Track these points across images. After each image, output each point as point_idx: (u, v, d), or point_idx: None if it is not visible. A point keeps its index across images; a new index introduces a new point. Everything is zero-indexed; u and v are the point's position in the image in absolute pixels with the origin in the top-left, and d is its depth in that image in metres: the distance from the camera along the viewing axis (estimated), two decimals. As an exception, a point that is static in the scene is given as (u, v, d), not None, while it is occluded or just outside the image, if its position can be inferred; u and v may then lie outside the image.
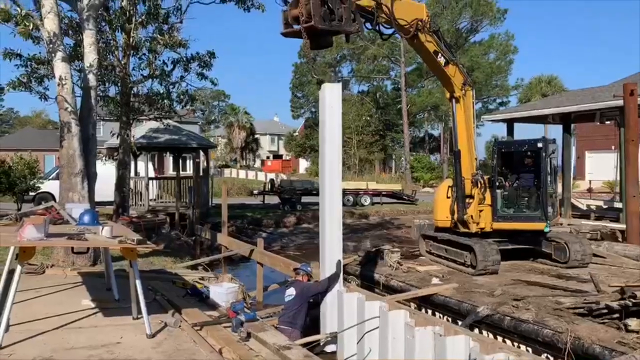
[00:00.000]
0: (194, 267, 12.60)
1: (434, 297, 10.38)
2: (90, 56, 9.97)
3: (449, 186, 12.86)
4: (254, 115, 72.43)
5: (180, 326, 6.10)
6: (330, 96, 7.58)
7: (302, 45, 7.95)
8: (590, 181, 32.83)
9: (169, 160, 47.88)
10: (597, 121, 24.34)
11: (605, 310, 7.80)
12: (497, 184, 12.29)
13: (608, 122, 25.91)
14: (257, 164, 77.19)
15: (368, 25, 9.77)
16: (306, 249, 20.50)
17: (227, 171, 62.63)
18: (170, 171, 46.53)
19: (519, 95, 54.65)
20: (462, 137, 12.15)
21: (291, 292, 7.59)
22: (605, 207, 23.22)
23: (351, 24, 7.99)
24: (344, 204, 29.33)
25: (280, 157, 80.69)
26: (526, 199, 12.34)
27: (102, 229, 5.66)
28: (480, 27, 48.82)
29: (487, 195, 12.27)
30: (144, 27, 14.43)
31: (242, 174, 62.64)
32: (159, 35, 14.13)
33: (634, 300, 7.33)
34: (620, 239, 17.22)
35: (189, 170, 34.22)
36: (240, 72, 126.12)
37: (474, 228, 12.12)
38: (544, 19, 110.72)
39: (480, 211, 12.22)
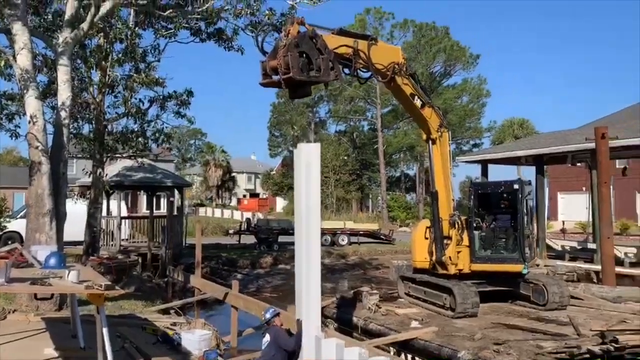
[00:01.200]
0: (165, 311, 12.15)
1: (414, 341, 10.15)
2: (64, 93, 9.77)
3: (427, 227, 12.79)
4: (231, 154, 72.26)
5: (149, 377, 5.77)
6: (307, 156, 7.31)
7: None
8: (563, 222, 33.23)
9: (143, 198, 47.13)
10: (569, 163, 24.89)
11: (587, 355, 7.69)
12: (475, 225, 12.26)
13: (579, 164, 26.55)
14: (233, 202, 76.47)
15: (346, 70, 9.88)
16: (283, 290, 20.06)
17: (202, 210, 61.79)
18: (144, 210, 45.74)
19: (491, 137, 55.82)
20: (439, 178, 12.18)
21: (266, 338, 7.28)
22: (579, 247, 23.43)
23: (329, 73, 8.01)
24: (321, 244, 29.10)
25: (257, 195, 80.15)
26: (503, 240, 12.31)
27: (69, 273, 5.36)
28: (454, 71, 50.22)
29: (465, 236, 12.23)
30: (120, 65, 14.33)
31: (217, 212, 61.82)
32: (135, 74, 14.01)
33: (615, 345, 7.22)
34: (595, 280, 17.33)
35: (163, 209, 33.66)
36: (218, 110, 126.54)
37: (452, 270, 12.01)
38: (516, 64, 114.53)
39: (459, 252, 12.15)
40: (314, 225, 7.12)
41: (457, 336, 9.91)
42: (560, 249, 23.33)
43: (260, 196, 77.70)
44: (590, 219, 25.25)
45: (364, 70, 10.17)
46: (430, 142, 12.13)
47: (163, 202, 39.40)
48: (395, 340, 10.19)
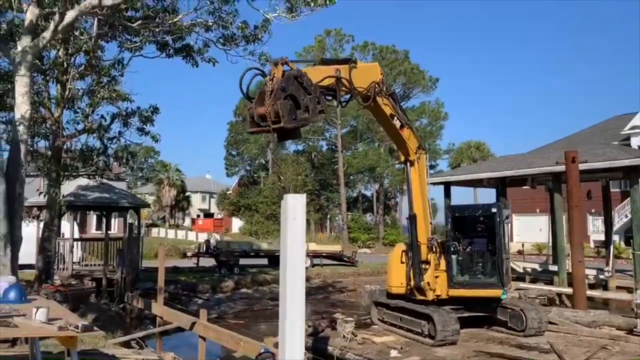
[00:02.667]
0: (126, 343, 11.26)
1: (396, 372, 9.72)
2: (22, 107, 8.94)
3: (403, 251, 12.51)
4: (185, 173, 70.73)
5: None
6: (293, 207, 7.08)
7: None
8: (523, 244, 33.83)
9: (92, 218, 45.14)
10: (529, 185, 25.34)
11: (583, 388, 7.44)
12: (452, 249, 12.04)
13: (538, 187, 27.09)
14: (187, 222, 74.59)
15: (329, 97, 9.61)
16: (246, 316, 19.28)
17: (154, 230, 59.87)
18: (93, 230, 43.74)
19: (450, 159, 56.84)
20: (417, 201, 11.94)
21: None
22: (540, 269, 23.74)
23: (317, 113, 7.80)
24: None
25: (211, 215, 78.52)
26: (481, 264, 12.13)
27: (36, 311, 4.64)
28: (413, 94, 50.96)
29: (442, 260, 11.99)
30: (82, 78, 13.46)
31: (171, 233, 60.04)
32: (100, 88, 13.17)
33: (615, 377, 6.99)
34: (557, 302, 17.45)
35: (114, 230, 32.14)
36: (170, 127, 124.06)
37: (430, 295, 11.72)
38: (470, 88, 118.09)
39: (436, 277, 11.88)
40: (299, 270, 6.96)
41: (440, 366, 9.56)
42: (522, 270, 23.56)
43: (215, 216, 76.19)
44: (549, 241, 25.83)
45: (346, 94, 9.93)
46: (408, 164, 11.90)
47: (114, 223, 37.85)
48: (377, 371, 9.72)
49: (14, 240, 8.57)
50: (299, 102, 7.47)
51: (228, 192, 70.99)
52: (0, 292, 5.82)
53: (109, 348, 9.16)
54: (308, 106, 7.51)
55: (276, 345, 9.23)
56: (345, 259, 32.20)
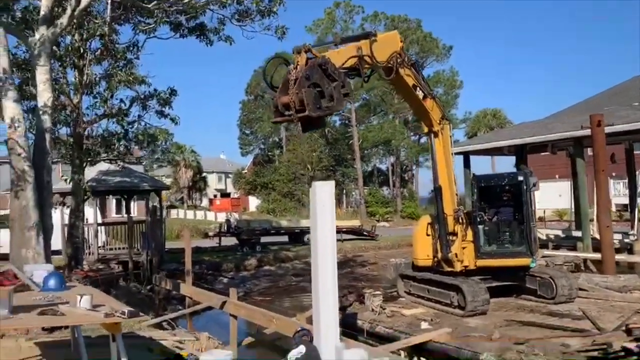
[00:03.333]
0: (159, 324, 11.42)
1: (429, 344, 9.72)
2: (44, 95, 8.93)
3: (428, 223, 12.42)
4: (200, 153, 70.90)
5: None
6: (321, 194, 7.08)
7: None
8: (544, 210, 33.47)
9: (112, 203, 45.66)
10: (550, 151, 24.98)
11: (622, 353, 7.37)
12: (479, 219, 11.93)
13: (559, 153, 26.72)
14: (204, 203, 75.12)
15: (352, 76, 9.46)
16: (272, 293, 19.46)
17: (173, 212, 60.39)
18: (113, 215, 44.28)
19: (466, 128, 56.17)
20: (443, 172, 11.79)
21: (300, 349, 6.71)
22: (562, 236, 23.54)
23: (342, 101, 7.67)
24: (304, 243, 28.56)
25: (228, 195, 78.91)
26: (508, 234, 12.02)
27: (80, 298, 4.66)
28: (427, 63, 50.17)
29: (469, 231, 11.89)
30: (98, 63, 13.40)
31: (189, 214, 60.55)
32: (119, 72, 13.10)
33: (657, 343, 6.92)
34: (583, 268, 17.32)
35: (134, 213, 32.47)
36: (182, 108, 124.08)
37: (458, 266, 11.65)
38: (485, 55, 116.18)
39: (464, 248, 11.80)
40: (330, 259, 7.09)
41: (473, 336, 9.52)
42: (545, 238, 23.38)
43: (232, 196, 76.57)
44: (572, 207, 25.56)
45: (369, 70, 9.77)
46: (432, 135, 11.72)
47: (134, 206, 38.27)
48: (409, 343, 9.72)
49: (45, 228, 8.66)
50: (323, 91, 7.34)
51: (243, 172, 71.17)
52: (39, 280, 5.89)
53: (144, 330, 9.29)
54: (332, 95, 7.36)
55: (309, 320, 9.30)
56: (365, 233, 32.26)
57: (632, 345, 7.28)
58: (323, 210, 7.13)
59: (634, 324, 8.39)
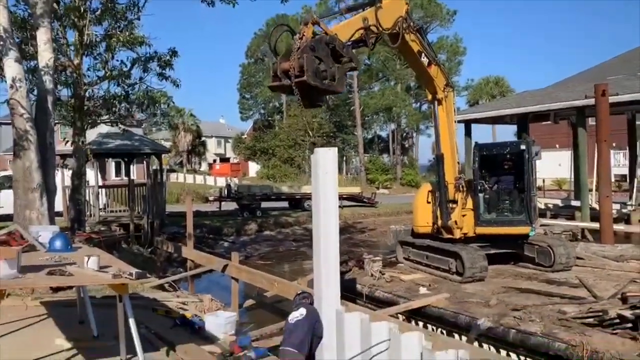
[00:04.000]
0: (161, 286, 11.58)
1: (427, 308, 9.90)
2: (45, 55, 8.83)
3: (429, 191, 12.48)
4: (199, 117, 70.55)
5: (181, 368, 5.26)
6: (324, 161, 7.01)
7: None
8: (543, 179, 33.52)
9: (111, 165, 45.68)
10: (552, 120, 24.89)
11: (617, 320, 7.51)
12: (479, 187, 11.97)
13: (560, 122, 26.63)
14: (204, 167, 75.17)
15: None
16: (272, 257, 19.69)
17: (172, 175, 60.48)
18: (112, 177, 44.35)
19: (467, 96, 55.75)
20: (445, 140, 11.79)
21: (301, 312, 6.76)
22: (561, 205, 23.66)
23: (343, 84, 7.44)
24: (304, 209, 28.67)
25: (227, 160, 78.91)
26: (508, 202, 12.09)
27: (88, 259, 4.72)
28: (430, 28, 49.36)
29: (469, 199, 11.96)
30: (99, 23, 13.17)
31: (189, 178, 60.68)
32: (119, 32, 12.88)
33: (652, 310, 7.04)
34: (580, 237, 17.48)
35: (134, 177, 32.55)
36: (181, 71, 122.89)
37: (457, 234, 11.77)
38: (487, 22, 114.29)
39: (463, 216, 11.88)
40: (332, 226, 6.98)
41: (470, 302, 9.69)
42: (543, 206, 23.51)
43: (232, 161, 76.56)
44: (572, 177, 25.63)
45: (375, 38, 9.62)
46: (435, 102, 11.66)
47: (133, 169, 38.31)
48: (408, 308, 9.91)
49: (48, 189, 8.68)
50: (326, 69, 7.23)
51: (243, 137, 71.01)
52: (46, 241, 5.95)
53: (147, 291, 9.43)
54: (335, 75, 7.09)
55: (310, 283, 9.42)
56: (364, 200, 32.39)
57: (627, 313, 7.41)
58: (325, 177, 7.14)
59: (630, 292, 8.53)
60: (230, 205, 29.04)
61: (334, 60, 7.37)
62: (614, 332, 7.46)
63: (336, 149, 7.46)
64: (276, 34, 7.41)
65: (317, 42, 7.32)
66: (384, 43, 10.37)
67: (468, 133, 25.12)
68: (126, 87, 14.42)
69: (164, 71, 14.44)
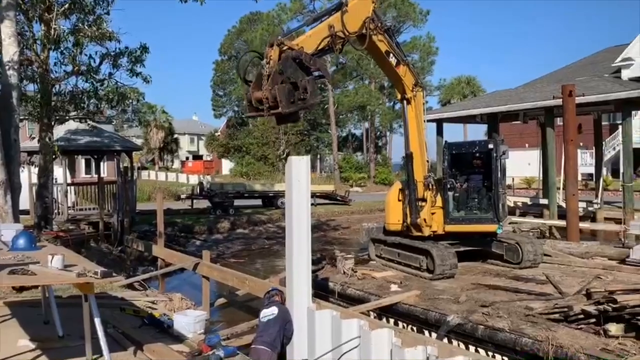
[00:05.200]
0: (130, 285, 11.43)
1: (397, 305, 9.99)
2: (10, 49, 8.59)
3: (400, 189, 12.57)
4: (172, 114, 69.74)
5: (147, 367, 5.20)
6: (297, 170, 7.20)
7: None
8: (512, 178, 34.14)
9: (81, 163, 44.84)
10: (521, 120, 25.37)
11: (581, 316, 7.70)
12: (449, 186, 12.11)
13: (529, 122, 27.16)
14: (176, 165, 74.35)
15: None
16: (244, 256, 19.59)
17: (144, 173, 59.67)
18: (82, 175, 43.56)
19: (440, 95, 56.35)
20: (414, 139, 11.86)
21: (273, 310, 6.79)
22: (530, 203, 24.14)
23: (316, 95, 7.60)
24: (277, 207, 28.62)
25: (200, 157, 78.24)
26: (477, 200, 12.25)
27: (52, 258, 4.63)
28: (403, 28, 49.72)
29: (438, 197, 12.09)
30: (66, 17, 12.87)
31: (161, 176, 59.99)
32: (85, 26, 12.60)
33: (613, 305, 7.24)
34: (548, 235, 17.87)
35: (104, 174, 32.00)
36: (154, 67, 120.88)
37: (427, 231, 11.88)
38: (459, 22, 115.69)
39: (433, 214, 12.01)
40: (304, 233, 7.33)
41: (440, 299, 9.81)
42: (512, 204, 23.94)
43: (205, 158, 75.90)
44: (540, 176, 26.14)
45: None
46: (404, 101, 11.72)
47: (103, 167, 37.68)
48: (379, 305, 9.98)
49: (13, 187, 8.47)
50: (297, 84, 7.27)
51: (217, 134, 70.41)
52: (8, 239, 5.81)
53: (116, 291, 9.30)
54: (307, 88, 7.27)
55: (282, 282, 9.42)
56: (338, 198, 32.49)
57: (591, 308, 7.60)
58: (299, 185, 7.28)
59: (594, 288, 8.74)
60: (202, 204, 28.80)
61: (303, 72, 7.51)
62: (579, 327, 7.66)
63: (308, 157, 7.63)
64: (244, 63, 7.57)
65: (284, 62, 7.47)
66: (351, 45, 10.43)
67: (440, 132, 25.45)
68: (95, 82, 14.15)
69: (134, 67, 14.20)
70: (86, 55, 13.77)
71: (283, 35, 8.27)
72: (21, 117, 17.21)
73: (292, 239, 7.54)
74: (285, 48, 7.66)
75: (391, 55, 10.99)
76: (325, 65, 8.41)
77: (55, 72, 13.91)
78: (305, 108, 7.69)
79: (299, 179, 7.30)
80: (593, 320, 7.55)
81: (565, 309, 8.02)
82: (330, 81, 8.97)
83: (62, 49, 13.63)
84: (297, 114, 7.74)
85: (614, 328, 7.15)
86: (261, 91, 7.11)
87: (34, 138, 14.42)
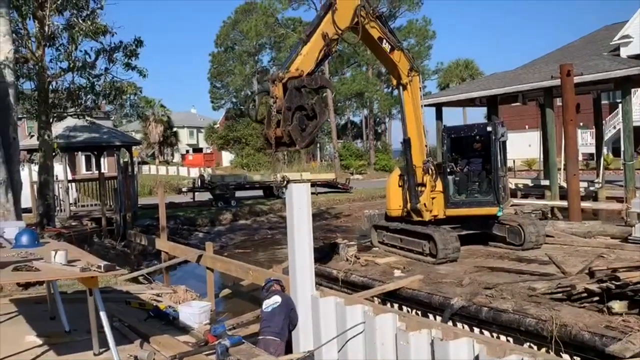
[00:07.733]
0: (135, 279, 11.49)
1: (401, 290, 10.03)
2: (5, 47, 8.57)
3: (400, 175, 12.57)
4: (170, 108, 69.63)
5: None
6: (298, 196, 7.52)
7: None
8: (513, 160, 34.12)
9: (81, 159, 44.85)
10: (521, 102, 25.25)
11: (585, 294, 7.73)
12: (449, 170, 12.11)
13: (529, 103, 27.06)
14: (177, 158, 74.35)
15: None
16: (248, 246, 19.67)
17: (145, 168, 59.70)
18: (83, 171, 43.59)
19: (438, 79, 56.13)
20: (412, 124, 11.84)
21: (276, 299, 6.85)
22: (531, 185, 24.12)
23: (325, 112, 8.40)
24: (279, 197, 28.68)
25: (200, 150, 78.16)
26: (477, 184, 12.25)
27: (55, 253, 4.65)
28: (399, 13, 49.44)
29: (439, 182, 12.09)
30: (60, 13, 12.79)
31: (162, 170, 59.99)
32: (81, 21, 12.52)
33: (616, 283, 7.26)
34: (550, 216, 17.88)
35: (104, 170, 32.05)
36: (151, 61, 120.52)
37: (427, 216, 11.89)
38: (457, 5, 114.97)
39: (433, 199, 12.01)
40: (307, 254, 7.59)
41: (444, 283, 9.84)
42: (513, 186, 23.92)
43: (205, 151, 75.85)
44: (541, 157, 26.11)
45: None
46: (400, 87, 11.69)
47: (103, 163, 37.70)
48: (384, 290, 10.02)
49: (13, 185, 8.49)
50: (305, 108, 7.94)
51: (216, 126, 70.32)
52: (11, 237, 5.84)
53: (121, 284, 9.34)
54: (315, 109, 8.01)
55: (285, 271, 9.46)
56: (339, 186, 32.53)
57: (594, 287, 7.62)
58: (300, 212, 7.59)
59: (597, 266, 8.76)
60: (204, 196, 28.85)
61: (308, 93, 8.03)
62: (582, 305, 7.69)
63: (309, 184, 8.01)
64: (252, 104, 8.20)
65: (289, 96, 7.95)
66: (345, 42, 10.54)
67: (439, 116, 25.37)
68: (91, 78, 14.10)
69: (130, 61, 14.15)
70: (81, 51, 13.74)
71: (281, 67, 8.77)
72: (19, 116, 17.27)
73: (294, 228, 7.61)
74: (286, 81, 8.11)
75: (384, 41, 10.93)
76: (326, 78, 9.01)
77: (52, 68, 13.89)
78: (317, 128, 8.34)
79: (300, 207, 7.56)
80: (596, 298, 7.57)
81: (569, 288, 8.04)
82: (333, 91, 9.47)
83: (57, 45, 13.60)
84: (313, 141, 8.43)
85: (617, 305, 7.16)
86: (274, 129, 7.86)
87: (33, 136, 14.41)
